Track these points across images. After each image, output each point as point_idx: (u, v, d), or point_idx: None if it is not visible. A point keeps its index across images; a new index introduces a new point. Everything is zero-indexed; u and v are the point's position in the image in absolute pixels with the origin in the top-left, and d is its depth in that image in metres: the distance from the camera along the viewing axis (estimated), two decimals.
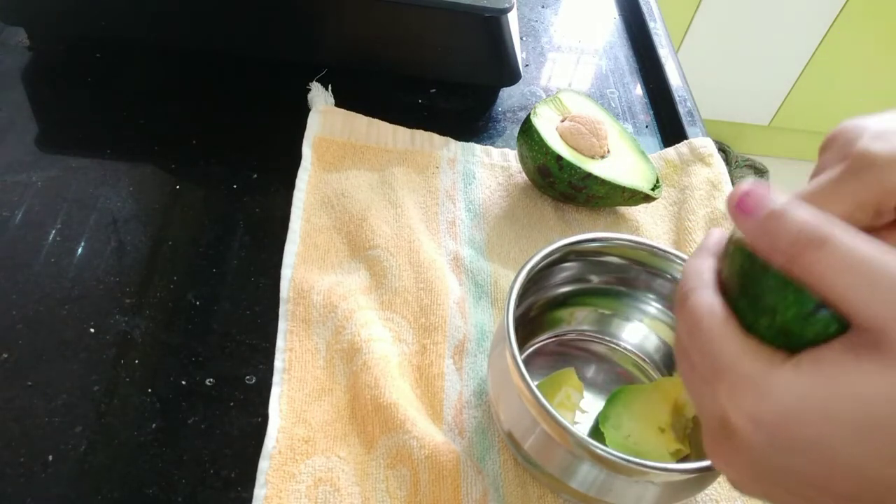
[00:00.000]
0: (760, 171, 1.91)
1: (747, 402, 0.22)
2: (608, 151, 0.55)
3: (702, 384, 0.24)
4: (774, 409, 0.21)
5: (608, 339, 0.48)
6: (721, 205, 0.56)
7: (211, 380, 0.44)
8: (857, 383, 0.21)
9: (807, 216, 0.22)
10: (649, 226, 0.57)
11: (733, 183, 0.59)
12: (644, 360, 0.47)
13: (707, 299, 0.24)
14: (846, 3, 1.67)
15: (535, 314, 0.47)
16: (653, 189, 0.55)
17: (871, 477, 0.21)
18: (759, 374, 0.22)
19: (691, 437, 0.42)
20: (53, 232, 0.50)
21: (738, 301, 0.24)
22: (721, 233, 0.27)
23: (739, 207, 0.23)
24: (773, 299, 0.23)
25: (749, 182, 0.24)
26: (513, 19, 0.61)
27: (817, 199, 0.25)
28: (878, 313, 0.20)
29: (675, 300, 0.26)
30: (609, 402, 0.43)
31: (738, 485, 0.25)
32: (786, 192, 0.25)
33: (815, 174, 0.28)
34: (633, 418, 0.41)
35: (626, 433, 0.40)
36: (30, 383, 0.42)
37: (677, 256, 0.43)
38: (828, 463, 0.21)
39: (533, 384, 0.35)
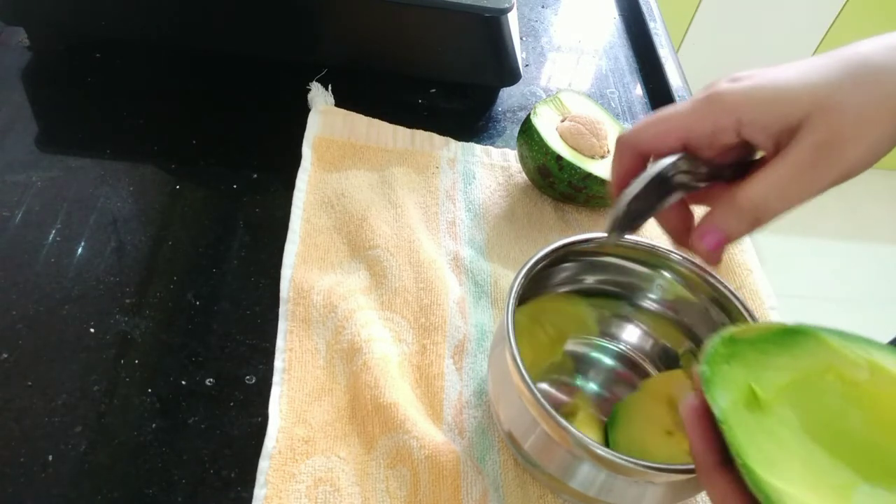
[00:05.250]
0: None
1: None
2: (608, 151, 0.55)
3: None
4: None
5: (608, 339, 0.48)
6: None
7: (211, 380, 0.44)
8: None
9: None
10: (649, 225, 0.57)
11: None
12: (643, 360, 0.47)
13: None
14: (846, 2, 1.67)
15: None
16: None
17: None
18: None
19: None
20: (53, 232, 0.50)
21: None
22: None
23: None
24: None
25: None
26: (513, 19, 0.61)
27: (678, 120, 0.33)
28: None
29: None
30: (611, 427, 0.42)
31: None
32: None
33: None
34: (640, 432, 0.41)
35: (640, 450, 0.40)
36: (30, 383, 0.42)
37: (677, 256, 0.43)
38: None
39: (533, 384, 0.35)
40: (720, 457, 0.27)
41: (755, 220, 0.32)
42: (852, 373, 0.28)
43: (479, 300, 0.50)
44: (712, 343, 0.29)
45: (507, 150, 0.61)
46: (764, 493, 0.24)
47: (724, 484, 0.27)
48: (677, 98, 0.67)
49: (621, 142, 0.35)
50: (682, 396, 0.42)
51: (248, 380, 0.44)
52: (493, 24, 0.58)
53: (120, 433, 0.41)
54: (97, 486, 0.39)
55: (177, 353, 0.45)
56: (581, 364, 0.47)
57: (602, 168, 0.53)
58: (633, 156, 0.35)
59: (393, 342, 0.47)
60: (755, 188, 0.31)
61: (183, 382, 0.44)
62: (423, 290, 0.48)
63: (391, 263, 0.50)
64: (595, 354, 0.48)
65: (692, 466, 0.35)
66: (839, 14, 1.70)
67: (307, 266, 0.50)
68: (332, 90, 0.61)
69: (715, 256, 0.33)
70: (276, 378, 0.44)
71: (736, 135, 0.32)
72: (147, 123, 0.58)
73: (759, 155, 0.34)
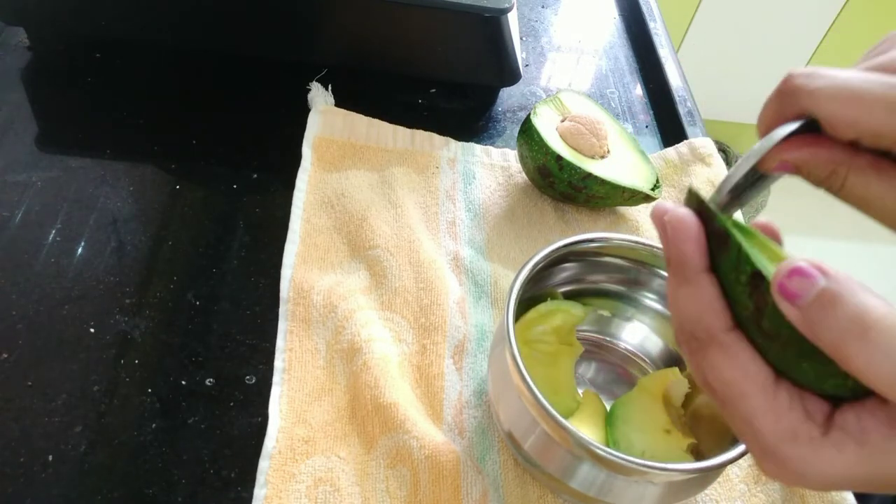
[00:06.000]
0: None
1: (792, 477, 0.23)
2: (608, 151, 0.55)
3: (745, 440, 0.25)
4: (819, 481, 0.23)
5: (608, 339, 0.48)
6: None
7: (211, 380, 0.44)
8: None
9: (849, 307, 0.21)
10: (649, 226, 0.57)
11: None
12: (644, 360, 0.47)
13: (741, 373, 0.24)
14: (846, 2, 1.67)
15: None
16: (653, 189, 0.55)
17: None
18: (803, 459, 0.23)
19: (690, 424, 0.42)
20: (53, 232, 0.50)
21: (771, 347, 0.24)
22: (697, 244, 0.26)
23: (783, 292, 0.22)
24: (816, 372, 0.23)
25: (793, 264, 0.22)
26: (513, 19, 0.61)
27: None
28: None
29: (683, 339, 0.26)
30: (610, 426, 0.42)
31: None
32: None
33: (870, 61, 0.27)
34: (639, 432, 0.41)
35: (640, 450, 0.40)
36: (30, 383, 0.42)
37: None
38: None
39: (533, 384, 0.35)
40: (707, 263, 0.26)
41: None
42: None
43: (479, 300, 0.50)
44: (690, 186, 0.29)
45: (507, 150, 0.61)
46: (766, 269, 0.23)
47: (708, 286, 0.25)
48: (677, 98, 0.67)
49: (791, 98, 0.28)
50: (674, 396, 0.42)
51: (248, 380, 0.44)
52: (493, 24, 0.58)
53: (120, 433, 0.41)
54: (97, 486, 0.39)
55: (177, 353, 0.45)
56: (581, 364, 0.47)
57: (602, 168, 0.53)
58: (795, 115, 0.28)
59: (393, 342, 0.47)
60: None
61: (183, 382, 0.44)
62: (423, 290, 0.49)
63: (391, 263, 0.50)
64: (595, 354, 0.48)
65: (692, 466, 0.35)
66: (839, 14, 1.70)
67: (307, 266, 0.50)
68: (332, 90, 0.61)
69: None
70: (276, 378, 0.44)
71: None
72: (147, 123, 0.58)
73: None
